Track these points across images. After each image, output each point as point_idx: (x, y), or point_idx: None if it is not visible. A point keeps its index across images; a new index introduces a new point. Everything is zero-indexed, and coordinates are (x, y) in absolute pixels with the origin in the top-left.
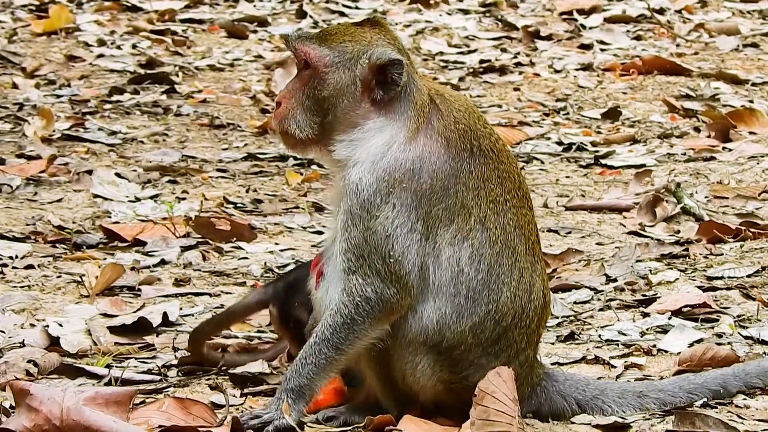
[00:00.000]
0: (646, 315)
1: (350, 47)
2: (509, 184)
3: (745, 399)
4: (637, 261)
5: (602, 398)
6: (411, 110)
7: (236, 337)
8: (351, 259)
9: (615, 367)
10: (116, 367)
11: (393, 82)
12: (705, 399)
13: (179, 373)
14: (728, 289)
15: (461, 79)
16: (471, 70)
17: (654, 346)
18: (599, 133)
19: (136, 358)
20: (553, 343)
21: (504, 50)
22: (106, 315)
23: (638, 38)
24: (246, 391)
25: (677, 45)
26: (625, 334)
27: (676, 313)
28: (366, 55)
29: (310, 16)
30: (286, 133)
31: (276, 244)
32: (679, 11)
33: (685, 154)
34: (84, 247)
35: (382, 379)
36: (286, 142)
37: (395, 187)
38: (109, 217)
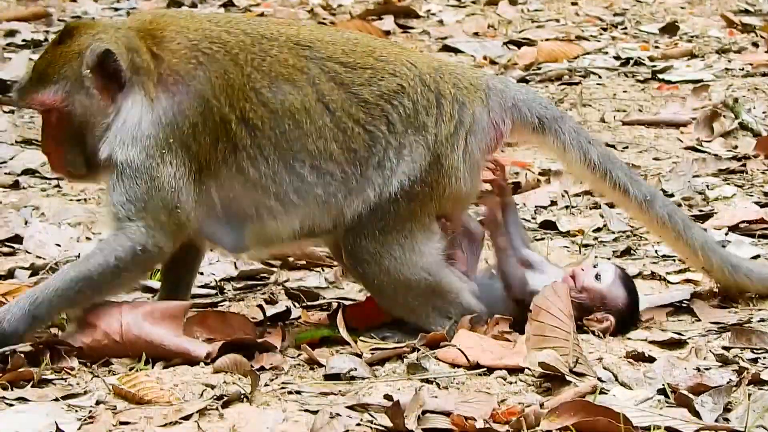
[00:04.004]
0: (703, 230)
1: (67, 69)
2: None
3: None
4: (694, 176)
5: (560, 124)
6: (141, 75)
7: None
8: (131, 209)
9: (671, 282)
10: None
11: (118, 72)
12: None
13: (234, 287)
14: None
15: None
16: None
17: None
18: (657, 47)
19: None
20: (609, 258)
21: None
22: None
23: None
24: (303, 305)
25: None
26: None
27: (734, 228)
28: (83, 66)
29: None
30: (70, 174)
31: None
32: None
33: (743, 69)
34: None
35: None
36: (74, 180)
37: (164, 146)
38: None
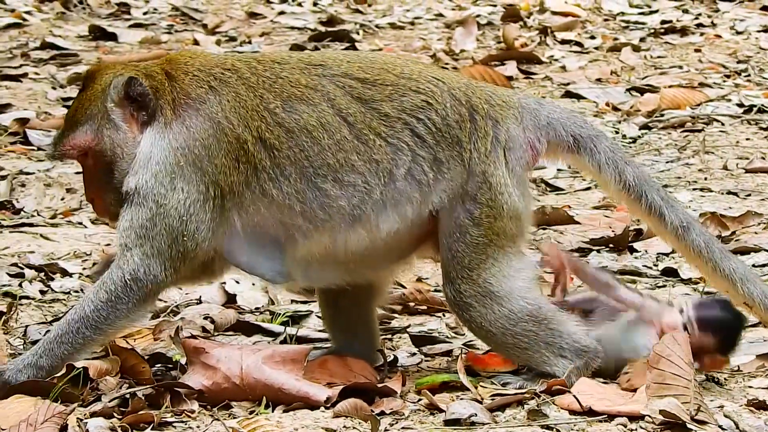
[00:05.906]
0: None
1: (93, 108)
2: (279, 86)
3: None
4: None
5: (595, 143)
6: (160, 99)
7: None
8: (131, 236)
9: None
10: (292, 325)
11: (143, 96)
12: None
13: None
14: None
15: (642, 39)
16: (652, 31)
17: None
18: None
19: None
20: None
21: (686, 11)
22: None
23: None
24: (424, 350)
25: None
26: None
27: None
28: (107, 100)
29: None
30: (113, 217)
31: None
32: None
33: None
34: None
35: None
36: (115, 222)
37: (174, 171)
38: None
